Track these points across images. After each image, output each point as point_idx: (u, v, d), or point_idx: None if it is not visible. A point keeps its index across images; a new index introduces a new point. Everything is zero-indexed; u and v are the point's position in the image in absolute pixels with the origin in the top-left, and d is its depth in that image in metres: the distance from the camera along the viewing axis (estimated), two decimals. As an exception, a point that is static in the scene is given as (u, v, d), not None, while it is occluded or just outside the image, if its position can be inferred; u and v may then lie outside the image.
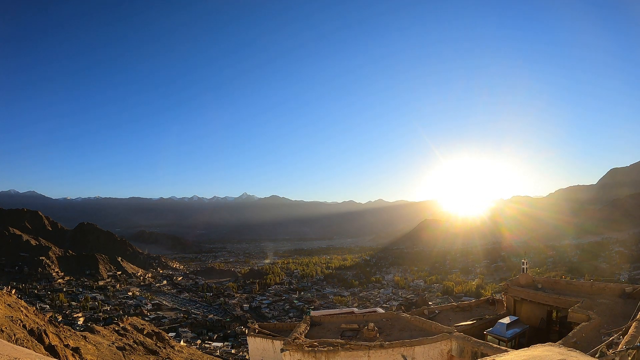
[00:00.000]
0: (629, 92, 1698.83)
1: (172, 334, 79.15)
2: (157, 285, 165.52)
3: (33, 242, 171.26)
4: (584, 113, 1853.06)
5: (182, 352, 36.26)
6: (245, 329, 79.07)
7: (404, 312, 16.94)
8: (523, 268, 19.07)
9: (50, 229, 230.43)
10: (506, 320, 14.36)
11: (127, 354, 26.02)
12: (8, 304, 20.50)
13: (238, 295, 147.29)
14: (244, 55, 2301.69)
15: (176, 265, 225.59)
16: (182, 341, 73.40)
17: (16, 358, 4.25)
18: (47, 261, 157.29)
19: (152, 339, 34.92)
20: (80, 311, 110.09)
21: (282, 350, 11.98)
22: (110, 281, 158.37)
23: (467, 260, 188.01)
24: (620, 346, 7.87)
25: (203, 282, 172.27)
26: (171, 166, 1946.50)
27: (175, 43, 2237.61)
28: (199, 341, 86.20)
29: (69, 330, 26.58)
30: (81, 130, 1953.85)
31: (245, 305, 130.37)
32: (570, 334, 10.74)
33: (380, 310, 22.09)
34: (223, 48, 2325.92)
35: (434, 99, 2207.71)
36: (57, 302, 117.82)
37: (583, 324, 11.43)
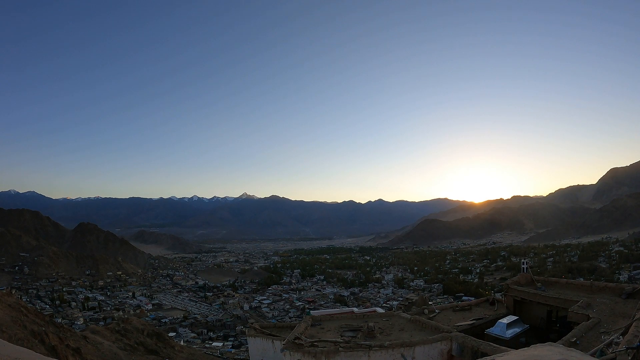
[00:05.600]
0: (630, 91, 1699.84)
1: (172, 334, 79.16)
2: (157, 285, 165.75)
3: (33, 242, 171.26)
4: (584, 113, 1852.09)
5: (182, 352, 36.23)
6: (246, 329, 79.01)
7: (404, 312, 16.95)
8: (523, 268, 19.09)
9: (51, 229, 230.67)
10: (506, 320, 14.38)
11: (127, 354, 26.03)
12: (8, 304, 20.49)
13: (238, 295, 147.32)
14: (243, 54, 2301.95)
15: (176, 265, 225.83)
16: (182, 341, 73.34)
17: (17, 358, 4.25)
18: (47, 261, 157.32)
19: (152, 339, 34.88)
20: (80, 311, 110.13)
21: (282, 350, 11.96)
22: (110, 281, 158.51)
23: (467, 260, 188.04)
24: (620, 346, 7.90)
25: (203, 282, 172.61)
26: (171, 166, 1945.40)
27: (176, 43, 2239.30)
28: (199, 341, 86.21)
29: (69, 330, 26.55)
30: (81, 130, 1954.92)
31: (245, 305, 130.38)
32: (570, 333, 10.75)
33: (380, 310, 22.11)
34: (223, 47, 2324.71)
35: (434, 97, 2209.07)
36: (57, 302, 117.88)
37: (583, 323, 11.44)
